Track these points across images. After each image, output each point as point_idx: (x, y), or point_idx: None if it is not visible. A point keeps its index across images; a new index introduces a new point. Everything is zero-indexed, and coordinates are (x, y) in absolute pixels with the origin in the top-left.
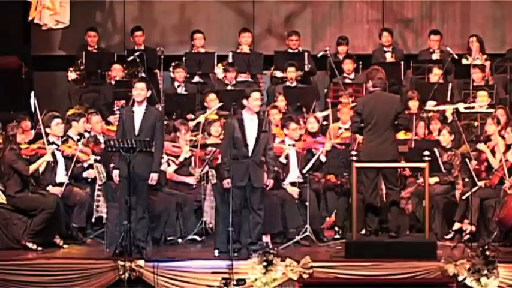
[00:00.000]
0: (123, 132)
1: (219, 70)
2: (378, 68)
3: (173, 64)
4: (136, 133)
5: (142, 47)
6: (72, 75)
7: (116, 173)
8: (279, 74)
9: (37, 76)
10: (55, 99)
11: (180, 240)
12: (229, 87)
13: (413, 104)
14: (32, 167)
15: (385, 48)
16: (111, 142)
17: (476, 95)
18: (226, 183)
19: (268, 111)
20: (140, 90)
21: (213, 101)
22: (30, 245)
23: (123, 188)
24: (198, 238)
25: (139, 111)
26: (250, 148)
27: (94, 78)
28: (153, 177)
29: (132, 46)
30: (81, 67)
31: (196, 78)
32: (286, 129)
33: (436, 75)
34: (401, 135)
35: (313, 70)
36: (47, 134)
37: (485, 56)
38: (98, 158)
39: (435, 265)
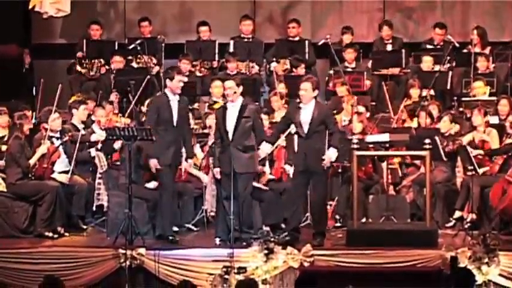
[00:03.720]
0: (158, 121)
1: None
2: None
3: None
4: (175, 123)
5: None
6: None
7: (154, 162)
8: (273, 65)
9: (37, 65)
10: (56, 88)
11: (176, 228)
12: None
13: (415, 92)
14: (32, 161)
15: (386, 41)
16: (113, 131)
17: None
18: (216, 172)
19: (270, 98)
20: (182, 82)
21: (218, 88)
22: (46, 233)
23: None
24: (194, 228)
25: (174, 101)
26: (230, 135)
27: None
28: (190, 163)
29: (134, 35)
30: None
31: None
32: None
33: (426, 62)
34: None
35: (312, 60)
36: (45, 129)
37: (488, 48)
38: (99, 146)
39: (436, 253)
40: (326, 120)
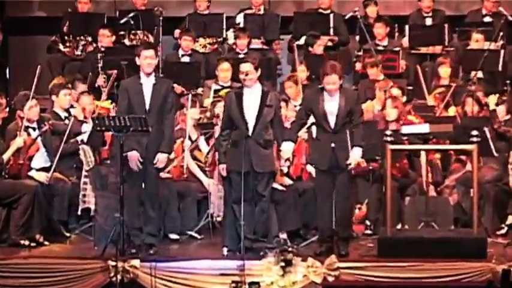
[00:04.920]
0: (129, 109)
1: (230, 34)
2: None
3: (180, 30)
4: (147, 109)
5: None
6: None
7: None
8: (302, 41)
9: (12, 42)
10: (34, 69)
11: (176, 237)
12: (241, 56)
13: (444, 71)
14: (5, 156)
15: (425, 14)
16: (101, 121)
17: None
18: (221, 169)
19: (284, 83)
20: (150, 59)
21: (225, 71)
22: (22, 241)
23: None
24: (197, 236)
25: (148, 83)
26: (251, 126)
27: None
28: (160, 159)
29: (126, 7)
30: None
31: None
32: None
33: (476, 41)
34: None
35: (345, 38)
36: (21, 119)
37: None
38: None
39: (485, 266)
40: (353, 109)
